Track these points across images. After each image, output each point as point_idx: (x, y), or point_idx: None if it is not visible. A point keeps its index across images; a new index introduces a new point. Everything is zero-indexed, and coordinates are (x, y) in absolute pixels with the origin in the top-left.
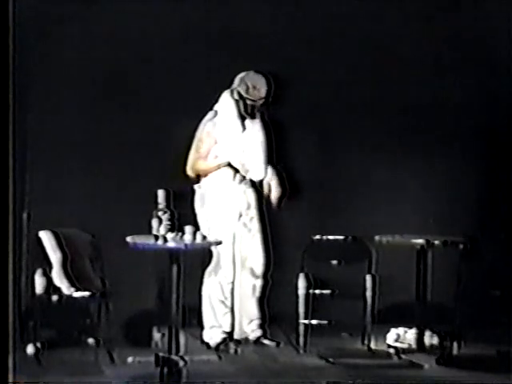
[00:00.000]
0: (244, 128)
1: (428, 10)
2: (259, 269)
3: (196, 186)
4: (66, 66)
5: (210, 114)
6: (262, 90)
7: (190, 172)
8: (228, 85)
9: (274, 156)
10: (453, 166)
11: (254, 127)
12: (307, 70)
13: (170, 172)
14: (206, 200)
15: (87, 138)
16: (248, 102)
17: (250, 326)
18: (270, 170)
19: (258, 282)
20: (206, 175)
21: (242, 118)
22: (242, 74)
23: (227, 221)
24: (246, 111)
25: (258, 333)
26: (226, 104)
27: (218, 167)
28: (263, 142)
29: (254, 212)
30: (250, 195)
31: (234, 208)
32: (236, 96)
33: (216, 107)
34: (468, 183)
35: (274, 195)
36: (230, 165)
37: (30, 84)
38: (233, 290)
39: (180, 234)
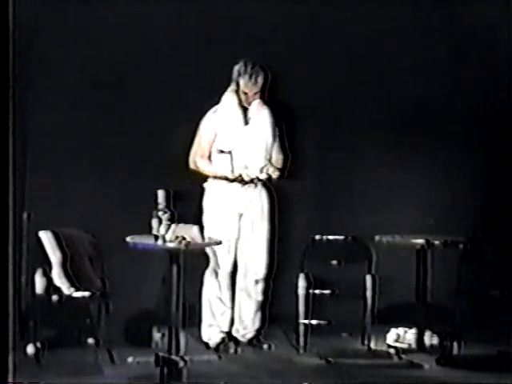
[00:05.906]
0: (246, 122)
1: (427, 8)
2: (261, 272)
3: (205, 185)
4: (66, 66)
5: (213, 109)
6: (259, 82)
7: (191, 165)
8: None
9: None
10: (453, 165)
11: (260, 121)
12: (309, 68)
13: (170, 172)
14: (210, 198)
15: (87, 138)
16: (246, 94)
17: (245, 328)
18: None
19: (260, 285)
20: (203, 173)
21: (244, 111)
22: (237, 66)
23: (228, 219)
24: (248, 103)
25: (251, 334)
26: (227, 97)
27: (215, 175)
28: (270, 135)
29: (257, 212)
30: (253, 194)
31: (235, 207)
32: (235, 87)
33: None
34: (468, 183)
35: (275, 174)
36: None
37: (30, 84)
38: (232, 288)
39: None
